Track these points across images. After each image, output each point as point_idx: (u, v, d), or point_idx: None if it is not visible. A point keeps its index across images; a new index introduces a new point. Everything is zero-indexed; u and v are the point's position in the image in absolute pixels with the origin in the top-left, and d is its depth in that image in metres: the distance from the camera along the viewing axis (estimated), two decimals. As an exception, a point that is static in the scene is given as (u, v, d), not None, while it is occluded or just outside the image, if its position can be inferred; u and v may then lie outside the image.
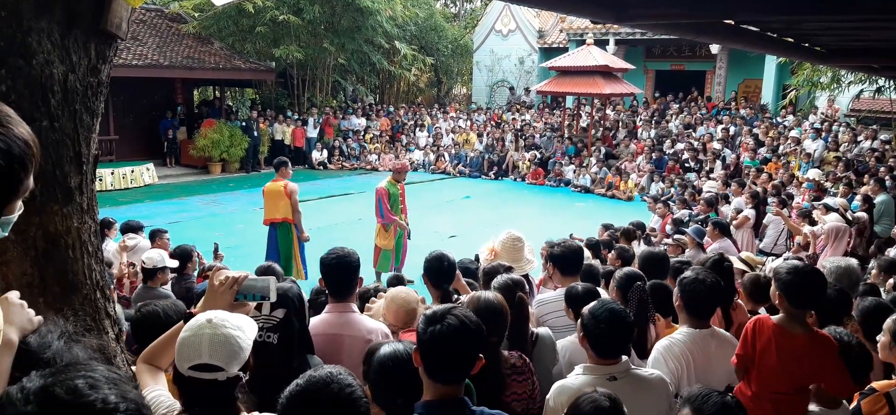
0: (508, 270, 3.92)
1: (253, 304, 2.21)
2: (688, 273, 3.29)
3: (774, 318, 3.03)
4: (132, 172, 17.22)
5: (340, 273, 3.29)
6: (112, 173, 16.69)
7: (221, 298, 2.15)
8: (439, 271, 3.79)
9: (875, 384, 3.08)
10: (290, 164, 8.98)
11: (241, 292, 2.19)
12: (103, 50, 2.08)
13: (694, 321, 3.18)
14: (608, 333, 2.65)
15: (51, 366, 1.36)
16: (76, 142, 2.03)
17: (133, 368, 2.22)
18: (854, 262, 5.40)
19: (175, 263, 5.95)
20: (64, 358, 1.42)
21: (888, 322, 3.07)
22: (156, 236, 7.05)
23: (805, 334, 2.93)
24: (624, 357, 2.72)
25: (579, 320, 2.77)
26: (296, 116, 21.85)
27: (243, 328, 1.91)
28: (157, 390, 2.07)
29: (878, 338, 3.16)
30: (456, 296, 3.80)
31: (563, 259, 4.20)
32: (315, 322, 3.32)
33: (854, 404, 3.07)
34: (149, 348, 2.27)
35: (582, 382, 2.65)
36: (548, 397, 2.68)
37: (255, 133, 20.01)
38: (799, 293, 2.92)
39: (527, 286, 3.53)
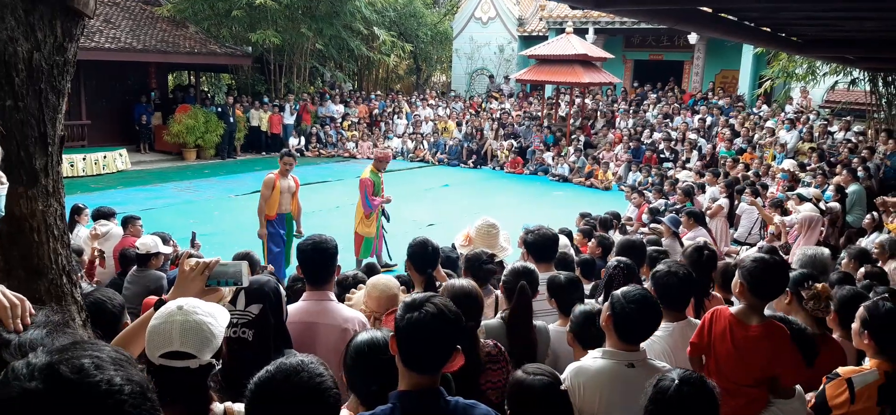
0: (490, 257, 3.92)
1: (226, 290, 2.17)
2: (660, 266, 3.30)
3: (731, 308, 3.04)
4: (105, 157, 16.91)
5: (317, 259, 3.23)
6: (84, 159, 16.37)
7: (192, 285, 2.11)
8: (423, 257, 3.77)
9: (839, 370, 3.11)
10: (284, 155, 8.31)
11: (213, 278, 2.14)
12: (69, 27, 2.01)
13: (669, 314, 3.18)
14: (636, 315, 2.65)
15: (20, 354, 1.32)
16: (41, 122, 1.96)
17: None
18: (824, 250, 5.47)
19: (169, 250, 5.90)
20: (40, 346, 1.38)
21: (860, 310, 3.10)
22: (129, 223, 6.93)
23: (759, 325, 2.93)
24: (642, 345, 2.73)
25: (608, 301, 2.77)
26: (273, 102, 21.62)
27: (215, 315, 1.87)
28: None
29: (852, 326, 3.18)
30: (438, 284, 3.79)
31: (537, 246, 4.19)
32: (291, 310, 3.27)
33: (820, 388, 3.11)
34: (119, 337, 2.22)
35: (601, 365, 2.65)
36: (563, 376, 2.67)
37: (231, 119, 19.75)
38: (761, 284, 2.92)
39: (537, 277, 3.54)
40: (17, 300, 1.46)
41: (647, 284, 3.43)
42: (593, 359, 2.70)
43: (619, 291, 2.76)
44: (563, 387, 2.27)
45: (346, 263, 7.29)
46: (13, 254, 1.95)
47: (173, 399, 1.84)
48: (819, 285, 3.54)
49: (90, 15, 2.06)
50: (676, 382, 2.15)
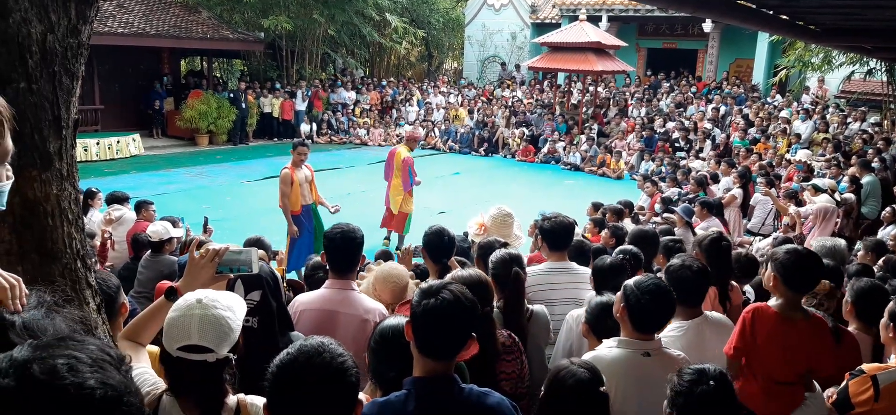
0: (504, 245, 3.90)
1: (234, 275, 2.16)
2: (675, 260, 3.23)
3: (773, 305, 2.95)
4: (118, 142, 16.99)
5: (345, 248, 3.21)
6: (97, 143, 16.45)
7: (203, 272, 2.10)
8: (439, 246, 3.75)
9: (864, 366, 3.06)
10: (297, 145, 8.10)
11: (223, 265, 2.13)
12: (83, 10, 1.99)
13: (684, 311, 3.11)
14: (650, 306, 2.62)
15: (27, 334, 1.31)
16: (55, 105, 1.94)
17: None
18: (841, 241, 5.42)
19: (180, 232, 5.91)
20: (42, 327, 1.37)
21: (891, 304, 3.03)
22: (142, 208, 6.96)
23: (804, 320, 2.87)
24: (657, 335, 2.70)
25: (621, 291, 2.74)
26: (285, 89, 21.61)
27: (234, 309, 1.86)
28: (141, 368, 2.02)
29: (882, 322, 3.11)
30: (450, 273, 3.78)
31: (553, 234, 4.15)
32: (312, 297, 3.27)
33: (843, 383, 3.06)
34: (131, 324, 2.22)
35: (616, 354, 2.63)
36: None
37: (243, 105, 19.78)
38: (795, 276, 2.85)
39: (523, 263, 3.51)
40: (14, 281, 1.45)
41: (661, 275, 3.38)
42: (609, 348, 2.68)
43: (632, 281, 2.73)
44: (602, 389, 2.24)
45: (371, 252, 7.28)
46: (27, 237, 1.94)
47: (189, 391, 1.85)
48: (826, 283, 3.48)
49: (104, -3, 2.04)
50: (713, 383, 2.11)
